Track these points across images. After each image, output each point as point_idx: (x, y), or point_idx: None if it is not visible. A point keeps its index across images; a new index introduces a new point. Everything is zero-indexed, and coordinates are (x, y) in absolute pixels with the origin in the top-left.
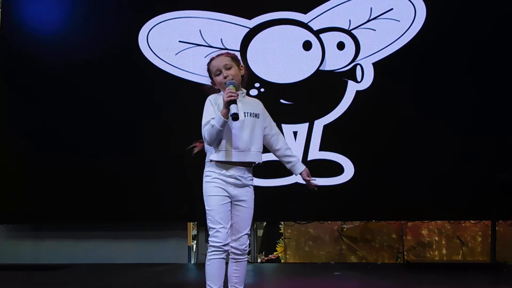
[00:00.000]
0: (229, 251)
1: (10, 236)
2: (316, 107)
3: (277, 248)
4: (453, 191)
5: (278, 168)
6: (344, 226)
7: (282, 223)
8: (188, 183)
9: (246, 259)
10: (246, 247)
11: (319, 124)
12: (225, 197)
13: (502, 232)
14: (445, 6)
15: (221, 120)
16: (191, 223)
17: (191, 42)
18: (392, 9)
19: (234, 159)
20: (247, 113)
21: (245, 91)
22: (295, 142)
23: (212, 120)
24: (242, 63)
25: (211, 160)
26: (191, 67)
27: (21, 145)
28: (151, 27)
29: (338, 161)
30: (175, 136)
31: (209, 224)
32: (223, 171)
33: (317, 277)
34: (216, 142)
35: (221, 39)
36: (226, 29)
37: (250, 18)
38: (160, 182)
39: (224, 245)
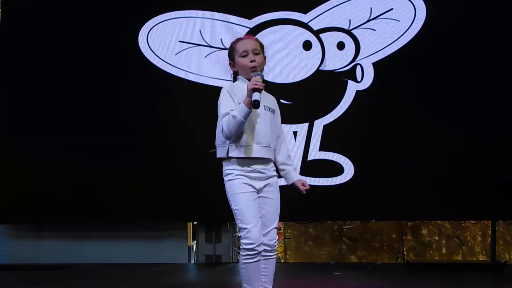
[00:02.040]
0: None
1: (10, 236)
2: (316, 107)
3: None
4: (453, 191)
5: (278, 168)
6: (345, 227)
7: (282, 223)
8: (189, 183)
9: (275, 256)
10: (275, 242)
11: (319, 124)
12: (252, 193)
13: (502, 232)
14: (445, 6)
15: (244, 111)
16: (191, 223)
17: (191, 42)
18: (392, 9)
19: (257, 155)
20: (267, 107)
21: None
22: (295, 142)
23: (232, 111)
24: (265, 55)
25: (230, 157)
26: (191, 67)
27: (21, 145)
28: (151, 27)
29: (338, 161)
30: (175, 136)
31: (240, 225)
32: (245, 167)
33: (317, 277)
34: (235, 135)
35: (221, 39)
36: (226, 29)
37: (250, 18)
38: (160, 182)
39: (257, 246)
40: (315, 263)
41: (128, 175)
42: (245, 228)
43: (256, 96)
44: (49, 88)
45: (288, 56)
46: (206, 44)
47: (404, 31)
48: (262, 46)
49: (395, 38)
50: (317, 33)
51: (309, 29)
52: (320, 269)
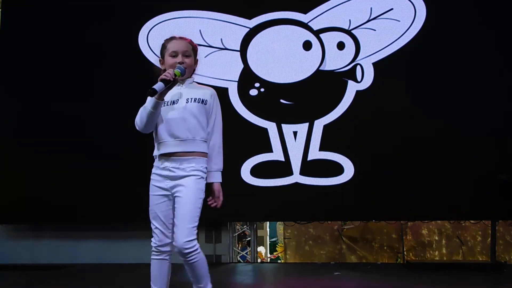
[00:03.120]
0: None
1: (10, 236)
2: (316, 107)
3: (277, 248)
4: (453, 191)
5: (278, 168)
6: (345, 227)
7: (283, 223)
8: None
9: (195, 259)
10: (186, 244)
11: (319, 124)
12: (159, 197)
13: (502, 232)
14: (445, 6)
15: (152, 100)
16: None
17: None
18: (392, 9)
19: (173, 150)
20: (191, 99)
21: (193, 78)
22: (295, 142)
23: (146, 103)
24: (198, 58)
25: (154, 156)
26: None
27: (21, 146)
28: (151, 27)
29: (338, 161)
30: None
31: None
32: (158, 164)
33: (317, 277)
34: (147, 127)
35: (221, 39)
36: (226, 29)
37: (250, 18)
38: None
39: (160, 246)
40: (315, 263)
41: (128, 175)
42: (152, 228)
43: (156, 85)
44: (49, 88)
45: (288, 56)
46: (206, 44)
47: (404, 31)
48: (195, 49)
49: (395, 38)
50: (317, 33)
51: (309, 29)
52: (320, 269)
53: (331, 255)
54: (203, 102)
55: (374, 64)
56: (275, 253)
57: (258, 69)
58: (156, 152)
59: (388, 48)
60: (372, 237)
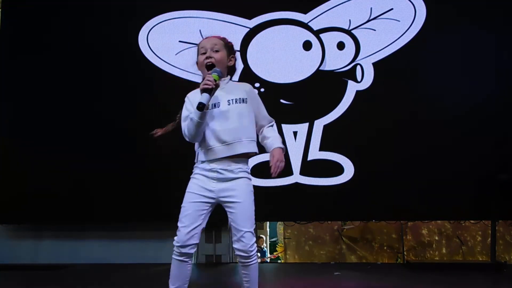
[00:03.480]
0: (235, 253)
1: (10, 236)
2: (316, 107)
3: (277, 248)
4: (453, 191)
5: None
6: (345, 227)
7: (283, 223)
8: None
9: (255, 262)
10: (250, 247)
11: (319, 124)
12: (198, 196)
13: (502, 232)
14: (445, 6)
15: (197, 113)
16: None
17: (191, 42)
18: (392, 9)
19: (222, 155)
20: (232, 100)
21: (229, 77)
22: (295, 142)
23: (191, 114)
24: (235, 55)
25: (199, 161)
26: (191, 67)
27: (21, 146)
28: (151, 27)
29: (338, 161)
30: (175, 136)
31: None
32: (205, 165)
33: (317, 277)
34: (197, 137)
35: None
36: (226, 29)
37: (250, 18)
38: (160, 182)
39: (181, 247)
40: (315, 263)
41: (128, 175)
42: (177, 226)
43: (202, 98)
44: (49, 88)
45: (288, 56)
46: None
47: (404, 31)
48: (227, 45)
49: (395, 38)
50: (317, 33)
51: (309, 29)
52: (320, 269)
53: (331, 255)
54: (244, 101)
55: (374, 64)
56: (275, 253)
57: (258, 69)
58: (202, 158)
59: (388, 48)
60: (372, 237)
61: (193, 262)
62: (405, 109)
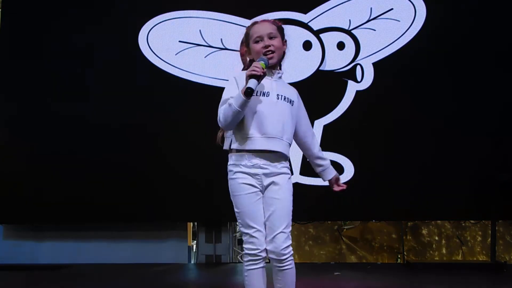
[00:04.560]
0: (268, 256)
1: (10, 236)
2: (316, 107)
3: None
4: (453, 191)
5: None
6: (345, 227)
7: None
8: (189, 183)
9: (290, 266)
10: (284, 250)
11: (319, 124)
12: (254, 194)
13: (502, 232)
14: (445, 6)
15: (240, 99)
16: (191, 223)
17: (191, 42)
18: (392, 9)
19: (261, 147)
20: (281, 96)
21: (282, 72)
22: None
23: (230, 99)
24: (286, 40)
25: (231, 150)
26: (191, 67)
27: (22, 145)
28: (151, 27)
29: (338, 161)
30: (175, 135)
31: (242, 229)
32: (245, 162)
33: (317, 277)
34: (232, 126)
35: (221, 39)
36: (226, 29)
37: (250, 18)
38: (160, 182)
39: (261, 252)
40: (315, 263)
41: (128, 175)
42: (246, 233)
43: (251, 83)
44: (49, 88)
45: (288, 56)
46: (206, 44)
47: (404, 31)
48: (280, 28)
49: (395, 38)
50: (317, 33)
51: (309, 29)
52: (320, 269)
53: (331, 255)
54: (291, 102)
55: (374, 64)
56: None
57: None
58: (237, 146)
59: (388, 48)
60: (372, 237)
61: (193, 262)
62: (405, 109)
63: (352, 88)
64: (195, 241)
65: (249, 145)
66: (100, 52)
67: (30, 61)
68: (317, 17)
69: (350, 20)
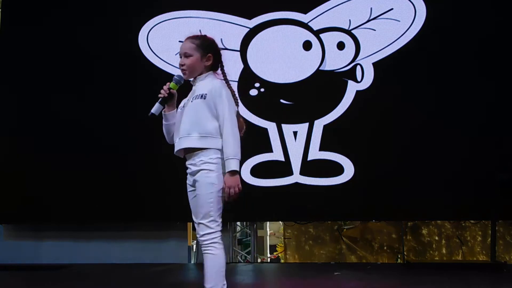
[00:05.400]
0: None
1: (10, 236)
2: (316, 107)
3: (277, 248)
4: (453, 191)
5: (278, 168)
6: (345, 227)
7: (282, 223)
8: None
9: (208, 252)
10: (201, 237)
11: (319, 124)
12: (190, 192)
13: (502, 232)
14: (445, 6)
15: (163, 115)
16: (191, 223)
17: None
18: (392, 9)
19: (175, 149)
20: (194, 97)
21: (206, 75)
22: (295, 142)
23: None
24: (214, 52)
25: None
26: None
27: (22, 146)
28: (151, 27)
29: (338, 161)
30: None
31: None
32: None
33: (317, 277)
34: (168, 139)
35: (221, 39)
36: (226, 29)
37: (250, 18)
38: (160, 182)
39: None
40: (315, 263)
41: (128, 175)
42: (209, 219)
43: (154, 108)
44: (49, 88)
45: (288, 56)
46: None
47: (404, 31)
48: (200, 46)
49: (395, 38)
50: (317, 33)
51: (309, 29)
52: (320, 269)
53: (331, 255)
54: (203, 96)
55: (374, 64)
56: (275, 253)
57: (258, 69)
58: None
59: (388, 48)
60: (372, 237)
61: (193, 262)
62: (405, 109)
63: (352, 88)
64: (195, 241)
65: (175, 150)
66: (100, 52)
67: (28, 61)
68: (317, 17)
69: (350, 20)
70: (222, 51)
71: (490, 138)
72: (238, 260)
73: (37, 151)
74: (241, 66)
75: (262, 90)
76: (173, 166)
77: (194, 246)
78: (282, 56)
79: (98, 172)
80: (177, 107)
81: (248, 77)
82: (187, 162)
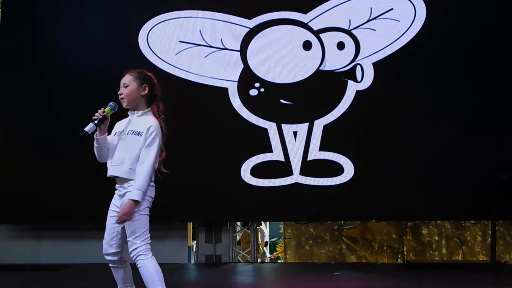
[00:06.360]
0: None
1: (10, 236)
2: (316, 107)
3: (277, 248)
4: (454, 191)
5: (278, 168)
6: (345, 227)
7: (283, 223)
8: (188, 183)
9: (139, 265)
10: (132, 254)
11: (319, 124)
12: (110, 211)
13: (502, 232)
14: (445, 6)
15: (95, 136)
16: (191, 223)
17: (191, 42)
18: (392, 9)
19: (108, 174)
20: (131, 130)
21: (141, 112)
22: (295, 142)
23: None
24: (150, 83)
25: None
26: (191, 67)
27: (22, 146)
28: (151, 27)
29: (338, 161)
30: (175, 136)
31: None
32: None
33: (317, 277)
34: (99, 158)
35: (221, 39)
36: (226, 29)
37: (250, 18)
38: (160, 183)
39: (106, 255)
40: (315, 263)
41: None
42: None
43: (87, 127)
44: (49, 88)
45: (288, 56)
46: (206, 44)
47: (404, 31)
48: (138, 78)
49: (395, 38)
50: (317, 33)
51: (309, 29)
52: (320, 269)
53: (331, 255)
54: (139, 134)
55: (374, 64)
56: (275, 253)
57: (258, 69)
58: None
59: (388, 48)
60: (372, 237)
61: (193, 262)
62: (405, 109)
63: (352, 88)
64: (195, 241)
65: (108, 172)
66: (100, 52)
67: (28, 61)
68: (317, 17)
69: (350, 20)
70: (158, 86)
71: (490, 138)
72: (238, 260)
73: (36, 151)
74: (241, 66)
75: (262, 90)
76: (173, 166)
77: (194, 246)
78: (282, 56)
79: (98, 172)
80: (108, 132)
81: (248, 77)
82: (116, 185)
